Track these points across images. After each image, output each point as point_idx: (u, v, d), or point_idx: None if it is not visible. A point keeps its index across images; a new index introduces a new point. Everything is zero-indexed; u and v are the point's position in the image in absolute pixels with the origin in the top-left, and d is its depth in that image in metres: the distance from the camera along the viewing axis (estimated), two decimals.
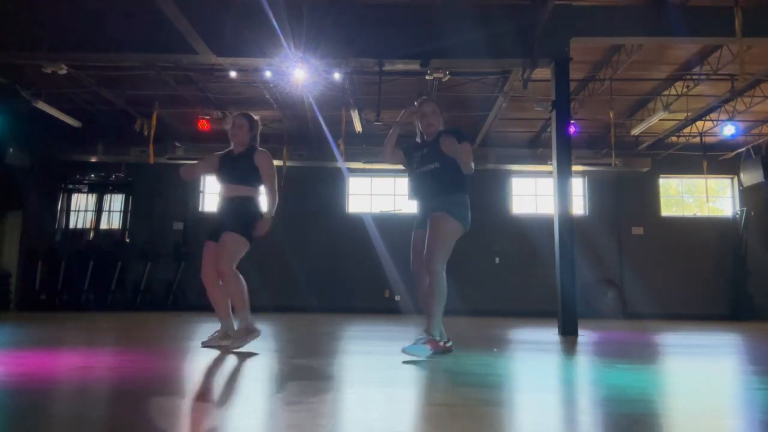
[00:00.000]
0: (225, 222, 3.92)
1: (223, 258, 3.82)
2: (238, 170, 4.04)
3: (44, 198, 12.22)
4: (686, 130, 11.58)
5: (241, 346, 3.80)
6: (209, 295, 3.99)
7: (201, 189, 13.22)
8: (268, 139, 11.96)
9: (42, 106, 9.45)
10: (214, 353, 3.65)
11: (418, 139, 4.08)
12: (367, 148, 12.03)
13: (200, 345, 3.93)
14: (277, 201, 4.06)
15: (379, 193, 13.34)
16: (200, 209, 13.11)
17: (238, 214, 3.94)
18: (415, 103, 4.11)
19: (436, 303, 3.61)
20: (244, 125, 4.12)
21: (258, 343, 4.19)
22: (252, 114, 4.26)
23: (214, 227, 3.99)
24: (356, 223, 12.56)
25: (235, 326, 3.93)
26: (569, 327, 6.44)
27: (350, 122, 10.20)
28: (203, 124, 10.77)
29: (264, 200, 4.08)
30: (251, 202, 4.02)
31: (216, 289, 3.95)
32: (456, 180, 3.76)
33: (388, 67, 7.72)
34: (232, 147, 4.16)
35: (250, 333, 3.85)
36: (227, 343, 3.88)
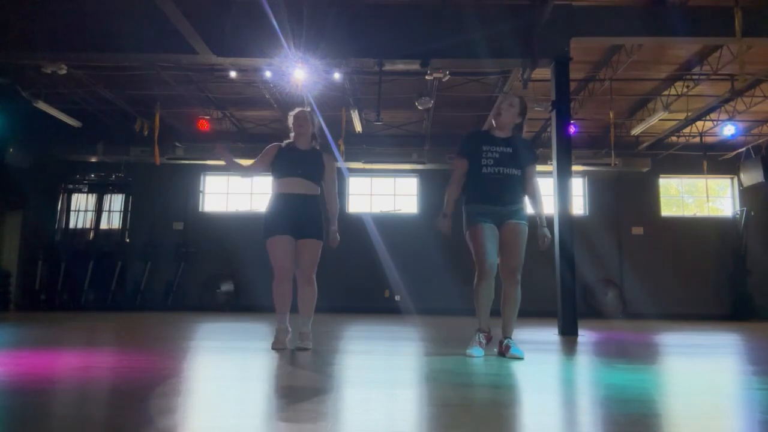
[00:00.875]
0: (311, 226, 3.95)
1: (314, 265, 3.98)
2: (313, 167, 4.03)
3: (44, 198, 12.23)
4: (686, 130, 11.58)
5: (310, 348, 3.93)
6: (282, 291, 3.96)
7: (201, 189, 13.22)
8: (268, 139, 11.94)
9: (42, 106, 9.45)
10: (215, 353, 3.65)
11: (489, 129, 3.91)
12: (367, 148, 12.04)
13: (272, 348, 3.89)
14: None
15: (379, 193, 13.34)
16: (200, 209, 13.11)
17: (319, 218, 4.01)
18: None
19: (517, 308, 3.75)
20: (309, 119, 4.12)
21: (258, 343, 4.19)
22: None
23: (292, 224, 3.91)
24: (356, 223, 12.56)
25: (302, 328, 4.01)
26: (569, 327, 6.44)
27: (350, 122, 10.20)
28: (203, 124, 10.77)
29: (327, 204, 4.14)
30: (320, 202, 4.07)
31: (290, 285, 3.98)
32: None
33: (388, 67, 7.72)
34: (292, 140, 4.13)
35: (311, 336, 4.03)
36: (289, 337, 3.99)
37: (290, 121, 4.16)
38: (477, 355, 3.59)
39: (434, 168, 12.53)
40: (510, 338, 3.70)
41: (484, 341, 3.71)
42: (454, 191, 3.87)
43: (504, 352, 3.62)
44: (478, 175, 3.72)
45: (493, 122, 3.87)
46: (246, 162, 4.33)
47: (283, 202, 3.97)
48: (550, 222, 3.86)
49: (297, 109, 4.22)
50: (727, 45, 7.91)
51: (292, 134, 4.15)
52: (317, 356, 3.64)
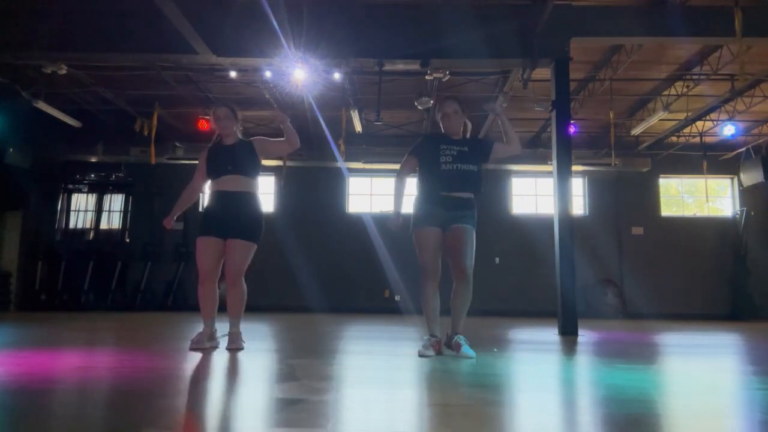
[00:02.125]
0: (241, 227, 3.85)
1: (242, 268, 3.88)
2: (241, 160, 3.92)
3: (44, 198, 12.23)
4: (686, 130, 11.58)
5: (242, 348, 3.86)
6: (205, 293, 3.89)
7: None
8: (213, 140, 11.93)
9: (42, 106, 9.45)
10: (214, 353, 3.65)
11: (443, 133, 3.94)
12: (367, 148, 12.04)
13: (188, 348, 3.80)
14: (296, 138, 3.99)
15: (379, 193, 13.34)
16: (200, 209, 13.10)
17: (253, 218, 3.90)
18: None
19: (467, 304, 3.79)
20: (229, 115, 4.01)
21: (258, 343, 4.19)
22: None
23: (220, 223, 3.85)
24: (356, 223, 12.57)
25: (219, 329, 3.96)
26: (569, 327, 6.44)
27: (350, 122, 10.21)
28: (203, 124, 10.78)
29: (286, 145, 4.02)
30: (258, 200, 3.98)
31: (213, 288, 3.91)
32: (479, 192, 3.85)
33: (388, 67, 7.72)
34: (218, 139, 4.07)
35: (240, 335, 3.95)
36: (214, 344, 3.90)
37: (211, 119, 4.05)
38: (430, 354, 3.60)
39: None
40: (459, 334, 3.71)
41: (437, 347, 3.71)
42: (402, 188, 3.93)
43: (455, 349, 3.64)
44: (437, 172, 3.75)
45: (444, 130, 3.91)
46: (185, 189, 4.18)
47: (215, 200, 3.91)
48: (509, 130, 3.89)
49: (215, 106, 4.09)
50: (727, 45, 7.91)
51: (216, 134, 4.07)
52: (318, 356, 3.64)
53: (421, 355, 3.59)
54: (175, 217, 4.02)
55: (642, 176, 12.82)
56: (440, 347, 3.72)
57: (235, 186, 3.88)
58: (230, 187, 3.89)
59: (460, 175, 3.73)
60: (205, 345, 3.83)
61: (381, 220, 12.59)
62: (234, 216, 3.85)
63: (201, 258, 3.86)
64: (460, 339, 3.68)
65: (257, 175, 4.02)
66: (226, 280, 3.91)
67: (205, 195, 4.21)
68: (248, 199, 3.92)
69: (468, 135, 3.96)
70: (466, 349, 3.59)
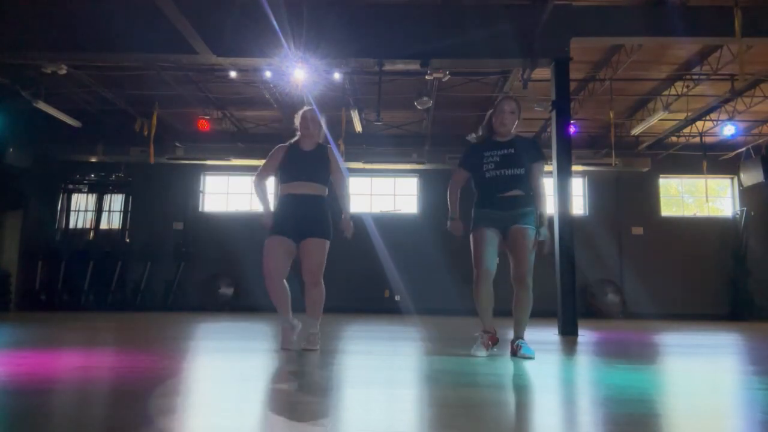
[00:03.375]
0: (316, 226, 3.88)
1: (322, 265, 3.92)
2: (317, 166, 3.96)
3: (44, 198, 12.23)
4: (686, 130, 11.58)
5: (317, 349, 3.90)
6: (276, 289, 3.89)
7: (201, 189, 13.22)
8: (268, 139, 11.96)
9: (42, 106, 9.45)
10: (214, 354, 3.65)
11: (486, 135, 3.94)
12: (367, 148, 12.04)
13: (281, 348, 3.86)
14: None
15: (379, 193, 13.34)
16: (200, 209, 13.11)
17: (326, 218, 3.94)
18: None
19: (529, 311, 3.77)
20: (316, 119, 4.05)
21: (258, 343, 4.19)
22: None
23: (292, 225, 3.86)
24: (356, 223, 12.54)
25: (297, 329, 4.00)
26: (569, 327, 6.44)
27: (350, 122, 10.21)
28: (203, 124, 10.77)
29: (337, 197, 4.08)
30: (327, 202, 4.01)
31: (282, 283, 3.91)
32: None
33: (388, 67, 7.72)
34: (297, 140, 4.07)
35: (319, 337, 4.00)
36: (296, 334, 3.97)
37: (297, 120, 4.08)
38: (480, 354, 3.63)
39: (434, 168, 12.53)
40: (521, 339, 3.73)
41: (489, 342, 3.74)
42: (454, 198, 3.98)
43: (515, 351, 3.67)
44: (483, 180, 3.79)
45: (495, 129, 3.87)
46: (248, 162, 4.23)
47: (288, 203, 3.93)
48: (551, 223, 3.89)
49: (306, 108, 4.12)
50: (727, 45, 7.91)
51: (298, 133, 4.08)
52: (318, 356, 3.64)
53: (473, 355, 3.61)
54: (269, 214, 4.03)
55: (642, 176, 12.82)
56: (494, 340, 3.75)
57: (306, 190, 3.93)
58: (302, 190, 3.93)
59: (506, 180, 3.72)
60: (293, 344, 3.89)
61: (382, 220, 12.61)
62: (307, 217, 3.89)
63: (270, 256, 3.85)
64: (520, 342, 3.70)
65: (328, 181, 4.05)
66: (307, 280, 3.94)
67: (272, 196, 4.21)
68: (319, 201, 3.96)
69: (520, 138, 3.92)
70: (526, 350, 3.62)
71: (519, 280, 3.71)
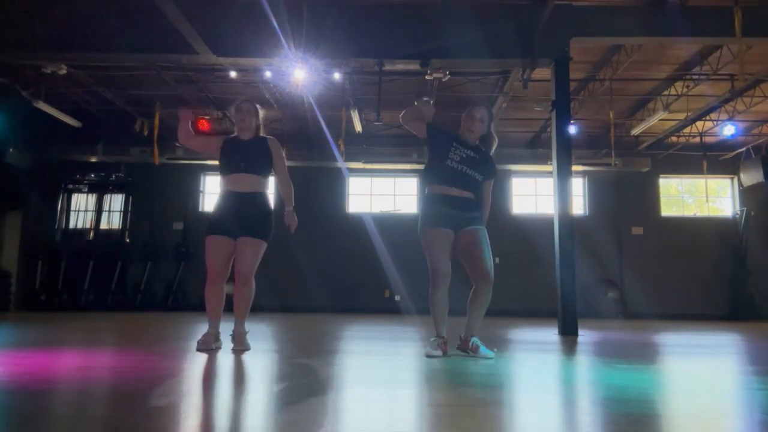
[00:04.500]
0: (252, 225, 3.84)
1: (253, 266, 3.86)
2: (255, 159, 3.92)
3: (44, 198, 12.22)
4: (686, 130, 11.58)
5: (248, 348, 3.84)
6: (214, 293, 3.88)
7: (201, 189, 13.22)
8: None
9: (42, 106, 9.45)
10: (214, 353, 3.65)
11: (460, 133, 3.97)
12: (367, 148, 12.04)
13: (195, 349, 3.78)
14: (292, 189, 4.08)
15: (379, 193, 13.34)
16: (200, 209, 13.11)
17: (264, 216, 3.89)
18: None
19: (486, 307, 3.79)
20: (251, 110, 4.02)
21: (258, 343, 4.19)
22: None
23: (230, 223, 3.84)
24: (356, 223, 12.56)
25: (220, 330, 3.95)
26: (569, 327, 6.44)
27: (350, 122, 10.21)
28: (203, 124, 10.77)
29: (278, 191, 4.06)
30: (268, 199, 3.98)
31: (222, 288, 3.89)
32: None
33: (388, 67, 7.72)
34: (236, 134, 4.05)
35: (244, 335, 3.91)
36: (219, 345, 3.88)
37: (232, 113, 4.07)
38: (437, 354, 3.59)
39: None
40: (476, 337, 3.71)
41: (444, 347, 3.68)
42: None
43: (471, 350, 3.64)
44: (442, 166, 3.78)
45: (461, 132, 3.93)
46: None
47: (227, 200, 3.90)
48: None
49: (239, 101, 4.10)
50: (727, 45, 7.91)
51: (235, 129, 4.07)
52: (317, 356, 3.64)
53: (428, 356, 3.57)
54: (186, 122, 4.03)
55: (642, 176, 12.82)
56: (446, 348, 3.70)
57: (245, 186, 3.88)
58: (240, 187, 3.88)
59: (464, 176, 3.75)
60: (212, 346, 3.81)
61: (382, 220, 12.61)
62: (244, 215, 3.84)
63: (211, 257, 3.86)
64: (477, 341, 3.68)
65: (268, 174, 4.01)
66: (236, 279, 3.89)
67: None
68: (258, 198, 3.91)
69: (485, 148, 3.96)
70: (485, 350, 3.61)
71: (484, 275, 3.72)
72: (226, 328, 3.95)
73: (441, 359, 3.50)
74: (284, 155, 4.09)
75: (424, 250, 3.78)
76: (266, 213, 3.93)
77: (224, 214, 3.88)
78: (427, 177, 3.93)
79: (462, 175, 3.75)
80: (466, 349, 3.67)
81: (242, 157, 3.90)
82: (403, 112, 4.02)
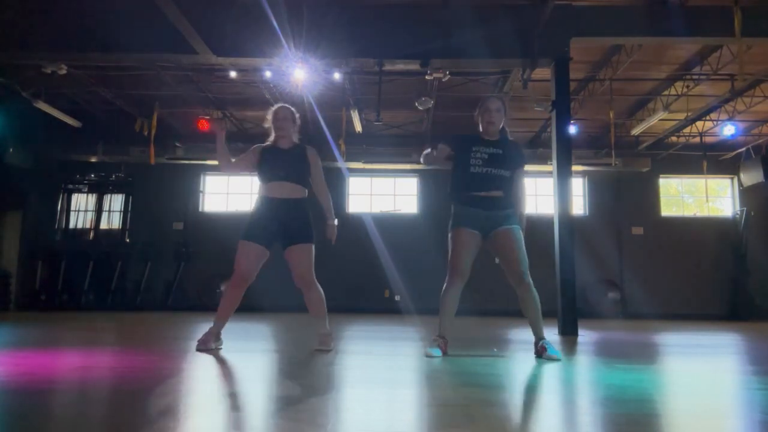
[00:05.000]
0: (298, 231, 3.82)
1: (310, 270, 3.87)
2: (295, 167, 3.88)
3: (44, 198, 12.22)
4: (686, 130, 11.58)
5: (331, 349, 3.86)
6: (234, 296, 3.88)
7: (201, 189, 13.22)
8: (268, 139, 11.96)
9: (42, 106, 9.45)
10: (214, 354, 3.65)
11: (478, 134, 3.86)
12: (367, 148, 12.04)
13: (195, 348, 3.76)
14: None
15: (379, 193, 13.34)
16: (200, 209, 13.11)
17: (307, 222, 3.87)
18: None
19: (538, 308, 3.73)
20: (289, 117, 3.97)
21: (258, 343, 4.19)
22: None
23: (268, 231, 3.80)
24: (356, 223, 12.56)
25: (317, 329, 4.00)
26: (569, 327, 6.44)
27: (350, 122, 10.21)
28: (203, 124, 10.77)
29: (319, 198, 4.01)
30: (307, 204, 3.93)
31: (242, 293, 3.90)
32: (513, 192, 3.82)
33: (388, 67, 7.72)
34: (272, 141, 3.99)
35: (331, 336, 3.96)
36: (219, 345, 3.88)
37: (269, 119, 4.00)
38: (436, 354, 3.56)
39: (434, 168, 12.54)
40: (544, 339, 3.68)
41: (444, 348, 3.66)
42: (433, 158, 3.88)
43: (540, 353, 3.61)
44: (466, 174, 3.70)
45: (482, 128, 3.83)
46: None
47: (268, 206, 3.85)
48: (528, 223, 3.88)
49: (277, 106, 4.04)
50: (727, 45, 7.91)
51: (272, 135, 4.00)
52: (317, 356, 3.64)
53: (427, 356, 3.56)
54: (222, 139, 3.99)
55: (642, 176, 12.82)
56: (446, 348, 3.68)
57: (284, 193, 3.84)
58: (280, 194, 3.84)
59: (490, 178, 3.66)
60: (211, 346, 3.79)
61: (382, 220, 12.61)
62: (285, 222, 3.82)
63: (242, 261, 3.81)
64: (545, 342, 3.65)
65: (307, 182, 3.97)
66: (301, 286, 3.90)
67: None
68: (298, 204, 3.88)
69: (507, 137, 3.89)
70: (552, 351, 3.57)
71: (518, 279, 3.69)
72: (230, 329, 3.94)
73: (441, 359, 3.50)
74: (320, 165, 4.04)
75: (449, 248, 3.74)
76: (308, 217, 3.91)
77: (261, 221, 3.84)
78: (453, 185, 3.81)
79: (488, 177, 3.66)
80: (541, 354, 3.62)
81: (281, 166, 3.86)
82: (421, 159, 3.95)
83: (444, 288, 3.72)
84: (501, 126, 3.84)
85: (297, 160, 3.92)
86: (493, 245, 3.73)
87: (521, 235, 3.73)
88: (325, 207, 4.05)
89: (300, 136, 4.11)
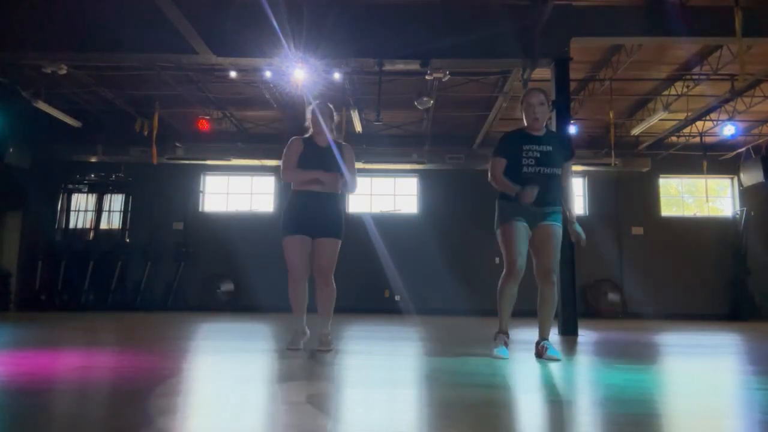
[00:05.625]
0: (329, 224, 3.85)
1: (333, 265, 3.91)
2: (333, 163, 3.88)
3: (44, 198, 12.22)
4: (686, 130, 11.58)
5: (332, 350, 3.87)
6: (300, 291, 3.87)
7: (201, 189, 13.22)
8: (268, 139, 11.97)
9: (42, 106, 9.45)
10: (215, 354, 3.65)
11: (523, 128, 3.75)
12: (367, 148, 12.03)
13: (287, 349, 3.84)
14: None
15: (379, 193, 13.34)
16: (200, 209, 13.11)
17: (340, 217, 3.92)
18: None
19: (553, 309, 3.74)
20: (326, 112, 3.96)
21: (258, 343, 4.19)
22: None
23: (308, 222, 3.81)
24: (356, 223, 12.56)
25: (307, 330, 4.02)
26: (569, 327, 6.44)
27: (350, 122, 10.20)
28: (203, 124, 10.77)
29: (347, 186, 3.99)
30: (340, 200, 3.98)
31: (305, 285, 3.90)
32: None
33: (388, 67, 7.72)
34: (311, 135, 3.98)
35: (331, 337, 3.96)
36: (307, 337, 3.95)
37: (308, 115, 3.98)
38: (505, 356, 3.53)
39: (434, 168, 12.54)
40: (547, 340, 3.67)
41: (508, 342, 3.68)
42: (504, 180, 3.65)
43: (541, 353, 3.61)
44: (518, 176, 3.58)
45: (527, 124, 3.72)
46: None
47: (302, 199, 3.86)
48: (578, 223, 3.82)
49: (316, 102, 4.03)
50: (727, 45, 7.91)
51: (310, 130, 3.99)
52: (317, 356, 3.64)
53: (496, 357, 3.53)
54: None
55: (642, 176, 12.82)
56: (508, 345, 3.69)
57: (323, 187, 3.85)
58: (317, 187, 3.85)
59: (543, 177, 3.57)
60: (300, 345, 3.86)
61: (382, 220, 12.60)
62: (322, 216, 3.86)
63: (292, 256, 3.82)
64: (547, 343, 3.63)
65: (342, 178, 3.94)
66: (319, 280, 3.90)
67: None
68: (333, 198, 3.92)
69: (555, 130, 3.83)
70: (552, 351, 3.56)
71: (545, 275, 3.66)
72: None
73: (440, 359, 3.50)
74: (354, 163, 4.04)
75: (501, 244, 3.68)
76: (340, 213, 3.96)
77: (300, 214, 3.85)
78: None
79: (541, 178, 3.55)
80: (541, 354, 3.60)
81: (319, 164, 3.84)
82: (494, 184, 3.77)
83: (501, 283, 3.69)
84: (546, 118, 3.76)
85: (335, 158, 3.92)
86: (534, 238, 3.68)
87: (561, 235, 3.70)
88: (347, 191, 4.05)
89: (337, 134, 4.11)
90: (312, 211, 3.84)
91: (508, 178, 3.62)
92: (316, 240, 3.86)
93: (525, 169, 3.58)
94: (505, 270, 3.67)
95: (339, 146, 3.99)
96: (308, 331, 3.99)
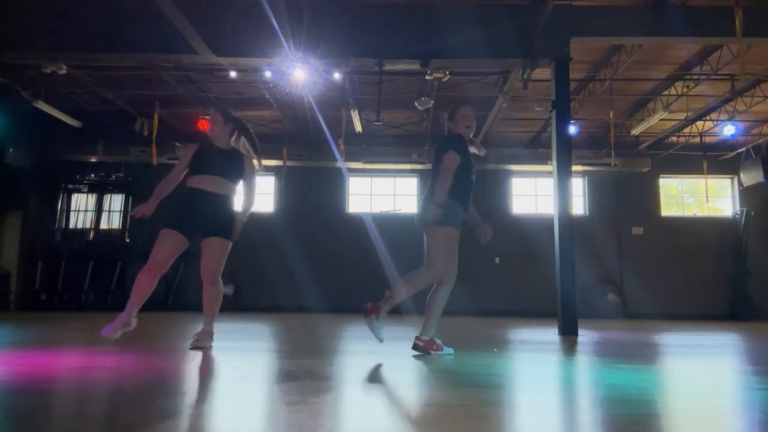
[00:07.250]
0: (219, 226, 3.89)
1: (221, 265, 3.91)
2: (231, 165, 3.98)
3: (44, 198, 12.23)
4: (686, 130, 11.59)
5: (207, 347, 3.85)
6: (147, 282, 3.82)
7: None
8: (268, 139, 11.96)
9: (42, 106, 9.45)
10: (214, 354, 3.65)
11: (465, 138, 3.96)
12: (367, 148, 12.04)
13: (189, 347, 3.81)
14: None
15: (379, 193, 13.34)
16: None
17: (230, 218, 3.94)
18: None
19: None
20: (219, 121, 4.07)
21: (258, 343, 4.19)
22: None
23: (191, 221, 3.86)
24: (356, 223, 12.56)
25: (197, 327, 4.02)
26: (569, 327, 6.44)
27: (350, 122, 10.21)
28: (203, 124, 10.77)
29: (245, 197, 4.08)
30: (233, 203, 4.02)
31: (156, 280, 3.88)
32: None
33: (388, 67, 7.72)
34: (209, 142, 4.10)
35: (211, 335, 3.94)
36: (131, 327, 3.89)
37: (210, 120, 4.16)
38: (450, 352, 3.75)
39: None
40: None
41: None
42: (448, 186, 3.73)
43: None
44: (467, 179, 3.77)
45: (462, 131, 3.92)
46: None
47: (193, 197, 3.90)
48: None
49: (214, 111, 4.18)
50: (727, 45, 7.91)
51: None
52: (317, 356, 3.64)
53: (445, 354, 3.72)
54: (153, 206, 3.97)
55: (642, 176, 12.82)
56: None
57: (214, 187, 3.91)
58: (209, 187, 3.90)
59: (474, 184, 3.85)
60: (117, 335, 3.81)
61: (382, 220, 12.60)
62: (210, 215, 3.88)
63: (161, 249, 3.81)
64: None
65: (238, 184, 4.06)
66: (205, 279, 3.92)
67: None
68: (225, 200, 3.96)
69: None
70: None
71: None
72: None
73: (441, 359, 3.50)
74: (255, 176, 4.17)
75: (444, 245, 3.74)
76: (231, 215, 3.99)
77: (187, 211, 3.90)
78: (461, 188, 3.77)
79: (474, 183, 3.83)
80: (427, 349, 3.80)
81: (219, 162, 3.97)
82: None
83: (443, 289, 3.79)
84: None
85: (233, 161, 4.03)
86: None
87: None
88: (246, 206, 4.11)
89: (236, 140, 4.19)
90: (201, 210, 3.88)
91: (464, 183, 3.78)
92: (205, 240, 3.89)
93: (471, 175, 3.80)
94: (449, 274, 3.84)
95: (240, 155, 4.10)
96: (135, 323, 3.90)
